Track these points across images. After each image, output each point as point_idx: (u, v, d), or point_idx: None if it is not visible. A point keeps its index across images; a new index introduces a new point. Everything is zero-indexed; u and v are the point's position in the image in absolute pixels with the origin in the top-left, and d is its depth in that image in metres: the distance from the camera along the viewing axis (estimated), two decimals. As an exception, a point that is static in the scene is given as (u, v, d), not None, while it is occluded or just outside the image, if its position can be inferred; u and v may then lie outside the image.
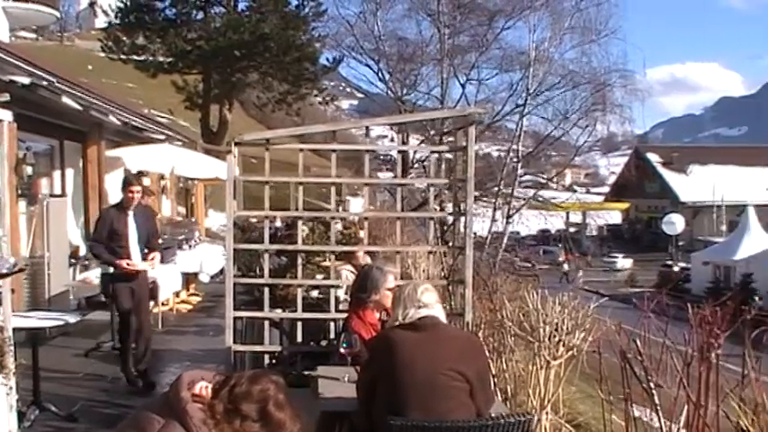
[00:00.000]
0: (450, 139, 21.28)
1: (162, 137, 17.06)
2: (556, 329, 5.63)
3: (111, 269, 8.04)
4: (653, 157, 72.37)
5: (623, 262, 57.55)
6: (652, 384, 4.10)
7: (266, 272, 6.42)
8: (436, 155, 14.89)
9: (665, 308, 4.49)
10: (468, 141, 6.10)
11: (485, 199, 26.74)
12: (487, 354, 6.24)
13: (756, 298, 25.19)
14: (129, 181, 8.20)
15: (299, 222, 6.65)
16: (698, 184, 66.20)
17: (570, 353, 5.66)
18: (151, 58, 30.27)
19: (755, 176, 67.79)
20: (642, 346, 4.20)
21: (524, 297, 6.02)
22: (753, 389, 3.74)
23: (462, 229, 6.40)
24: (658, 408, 4.15)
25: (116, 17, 30.23)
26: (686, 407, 3.93)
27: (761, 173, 68.65)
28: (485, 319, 6.71)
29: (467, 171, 6.12)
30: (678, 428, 4.07)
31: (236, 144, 6.10)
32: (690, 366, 3.90)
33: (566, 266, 49.52)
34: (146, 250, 8.09)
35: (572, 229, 69.22)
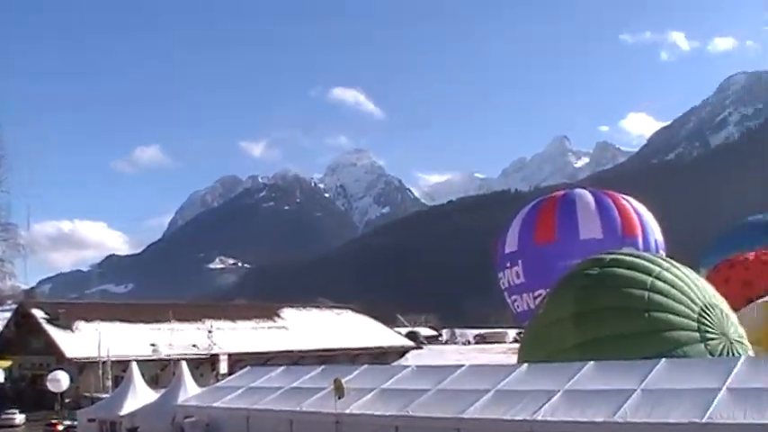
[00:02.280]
0: None
1: None
2: None
3: None
4: (38, 313, 71.04)
5: (21, 417, 54.77)
6: None
7: None
8: None
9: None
10: None
11: None
12: None
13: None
14: None
15: None
16: (84, 339, 66.78)
17: None
18: None
19: (139, 332, 71.58)
20: None
21: None
22: None
23: None
24: None
25: None
26: None
27: (144, 329, 72.79)
28: None
29: None
30: None
31: None
32: None
33: None
34: None
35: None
